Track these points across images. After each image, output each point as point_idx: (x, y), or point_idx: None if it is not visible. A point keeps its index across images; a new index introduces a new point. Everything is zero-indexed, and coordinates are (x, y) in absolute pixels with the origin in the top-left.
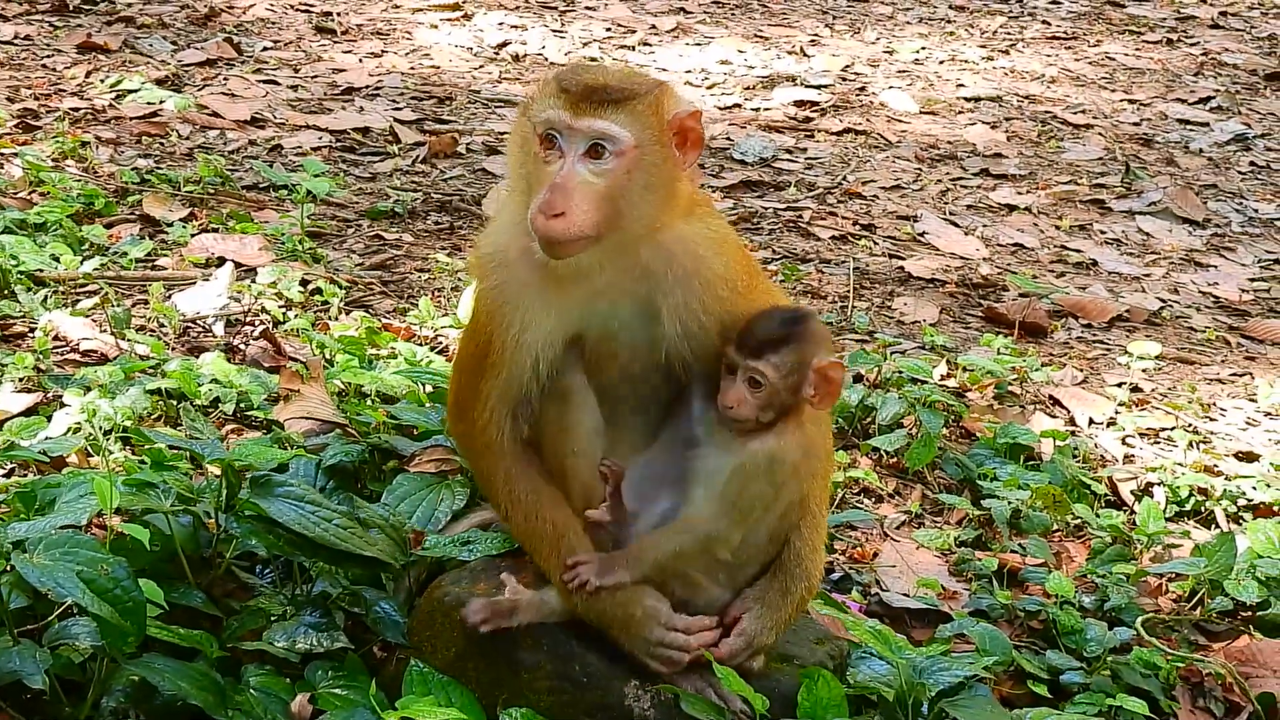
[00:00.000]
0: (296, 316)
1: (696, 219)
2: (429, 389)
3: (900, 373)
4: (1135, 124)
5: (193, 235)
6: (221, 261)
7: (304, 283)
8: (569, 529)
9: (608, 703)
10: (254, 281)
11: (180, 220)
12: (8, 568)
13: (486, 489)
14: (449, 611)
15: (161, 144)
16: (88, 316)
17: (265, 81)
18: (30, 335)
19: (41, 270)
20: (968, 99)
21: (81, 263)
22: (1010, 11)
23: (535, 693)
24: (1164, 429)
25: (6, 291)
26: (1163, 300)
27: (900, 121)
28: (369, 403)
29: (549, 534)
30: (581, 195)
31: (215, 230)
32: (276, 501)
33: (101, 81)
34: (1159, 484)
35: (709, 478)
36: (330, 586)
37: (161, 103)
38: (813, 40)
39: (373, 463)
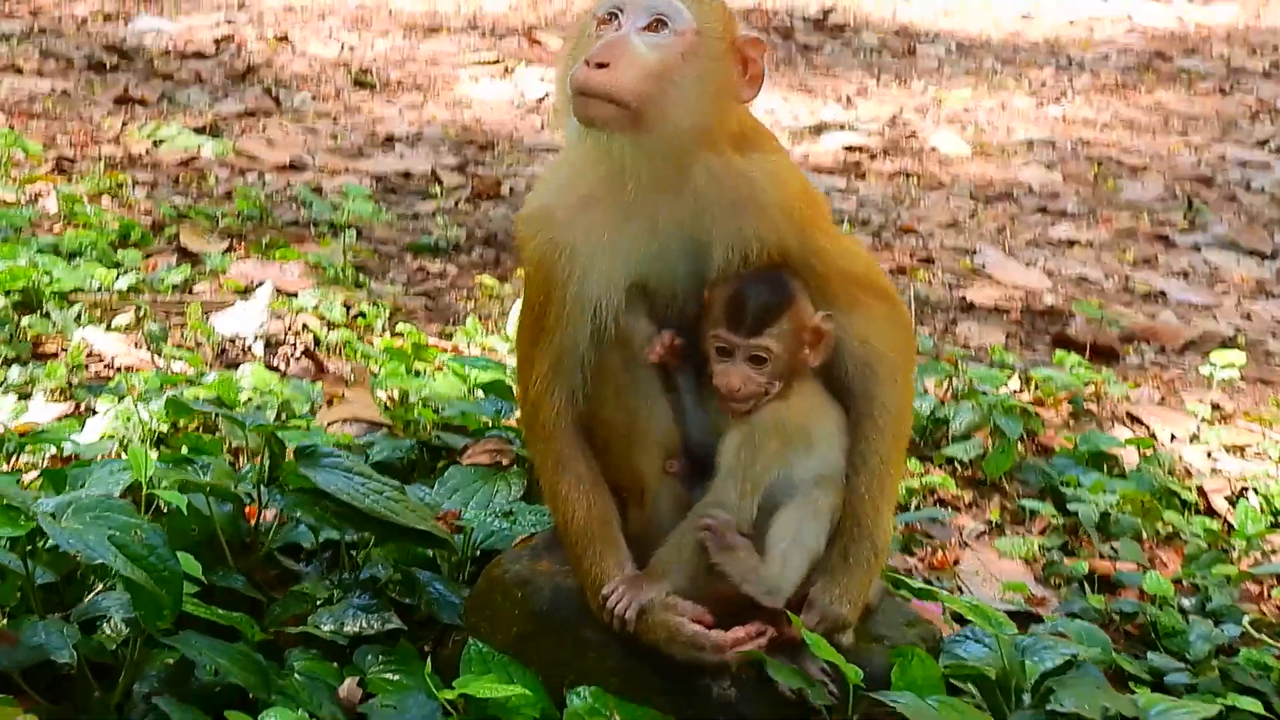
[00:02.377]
0: (339, 335)
1: (753, 149)
2: (482, 382)
3: (972, 383)
4: (1194, 165)
5: (231, 264)
6: (261, 284)
7: (346, 307)
8: (604, 540)
9: (684, 682)
10: (295, 299)
11: (219, 252)
12: (34, 539)
13: (540, 478)
14: (509, 590)
15: (199, 185)
16: (123, 333)
17: (304, 130)
18: (63, 354)
19: (77, 291)
20: (1021, 142)
21: (117, 278)
22: (1058, 64)
23: (603, 674)
24: (1250, 445)
25: (40, 311)
26: (1237, 327)
27: (952, 164)
28: (417, 410)
29: (585, 544)
30: (631, 58)
31: (255, 258)
32: (323, 471)
33: (139, 130)
34: (1253, 490)
35: (720, 460)
36: (380, 571)
37: (199, 148)
38: (859, 90)
39: (423, 461)
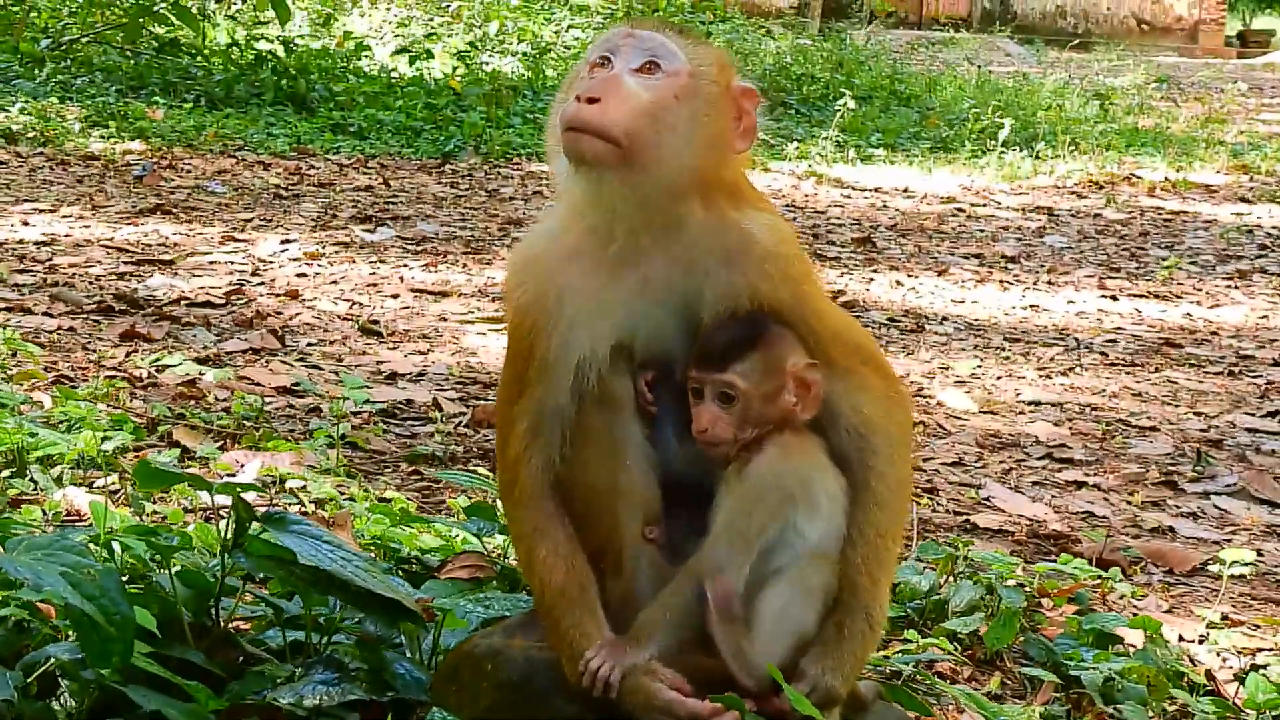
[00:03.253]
0: (326, 506)
1: (748, 204)
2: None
3: (975, 565)
4: (1203, 430)
5: (223, 455)
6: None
7: (339, 492)
8: (584, 605)
9: None
10: (283, 476)
11: (213, 447)
12: None
13: (515, 546)
14: (479, 662)
15: (198, 401)
16: (106, 494)
17: (308, 366)
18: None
19: (61, 463)
20: (1028, 402)
21: (102, 442)
22: (1066, 345)
23: None
24: (1263, 649)
25: (24, 474)
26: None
27: (959, 418)
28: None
29: (563, 609)
30: (623, 96)
31: (248, 449)
32: (291, 536)
33: (142, 360)
34: (1263, 668)
35: (714, 516)
36: (344, 657)
37: (201, 374)
38: None
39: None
